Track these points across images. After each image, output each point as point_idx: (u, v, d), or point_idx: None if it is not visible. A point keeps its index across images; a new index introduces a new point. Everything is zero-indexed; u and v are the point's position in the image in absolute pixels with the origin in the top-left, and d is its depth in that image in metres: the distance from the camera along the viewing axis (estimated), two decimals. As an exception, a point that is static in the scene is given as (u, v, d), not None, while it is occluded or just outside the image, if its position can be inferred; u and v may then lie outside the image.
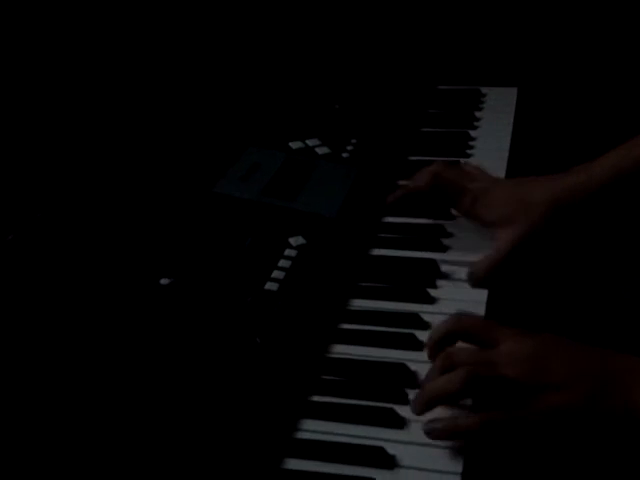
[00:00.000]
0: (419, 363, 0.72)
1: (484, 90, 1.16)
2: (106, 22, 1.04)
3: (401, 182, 0.95)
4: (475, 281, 0.82)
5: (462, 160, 1.01)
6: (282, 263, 0.80)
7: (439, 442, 0.65)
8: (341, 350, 0.75)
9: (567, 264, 1.01)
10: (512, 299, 0.91)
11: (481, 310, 0.79)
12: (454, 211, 0.92)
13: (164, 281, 0.76)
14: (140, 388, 0.67)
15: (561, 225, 0.84)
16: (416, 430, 0.66)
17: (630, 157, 0.83)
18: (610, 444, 0.67)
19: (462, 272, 0.84)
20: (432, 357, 0.71)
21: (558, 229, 0.84)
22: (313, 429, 0.67)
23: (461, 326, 0.69)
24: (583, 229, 0.87)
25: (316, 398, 0.70)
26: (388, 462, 0.64)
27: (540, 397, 0.63)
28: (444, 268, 0.85)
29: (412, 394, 0.69)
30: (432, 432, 0.65)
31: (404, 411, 0.68)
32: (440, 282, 0.83)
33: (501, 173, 0.97)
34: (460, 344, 0.70)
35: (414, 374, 0.71)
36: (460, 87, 1.18)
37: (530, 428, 0.63)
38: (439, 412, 0.66)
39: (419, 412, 0.67)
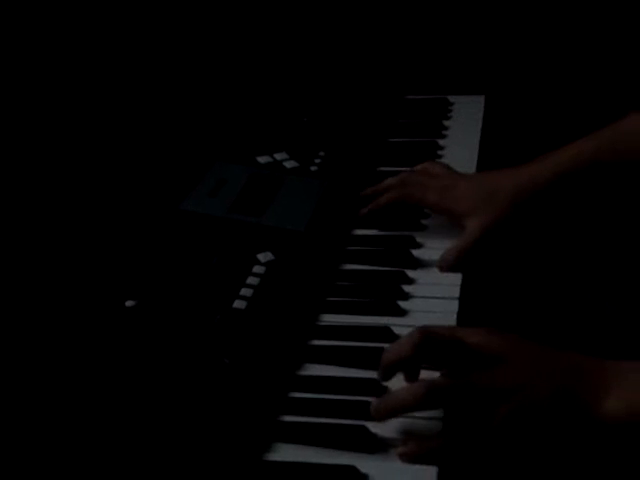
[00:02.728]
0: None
1: (452, 99, 1.17)
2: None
3: (368, 190, 0.94)
4: (444, 268, 0.85)
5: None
6: (250, 280, 0.79)
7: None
8: (312, 367, 0.74)
9: (548, 271, 1.02)
10: (484, 309, 0.91)
11: (452, 321, 0.79)
12: (424, 221, 0.92)
13: (129, 303, 0.75)
14: (107, 411, 0.66)
15: (527, 213, 0.86)
16: (388, 447, 0.65)
17: (591, 146, 0.86)
18: (576, 447, 0.66)
19: (432, 283, 0.84)
20: (386, 379, 0.68)
21: (524, 217, 0.86)
22: (284, 450, 0.66)
23: (428, 342, 0.67)
24: (560, 231, 0.88)
25: (287, 418, 0.69)
26: (361, 480, 0.63)
27: (503, 403, 0.62)
28: (414, 279, 0.84)
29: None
30: (401, 457, 0.65)
31: (377, 428, 0.67)
32: (411, 293, 0.82)
33: (470, 181, 0.97)
34: None
35: (386, 389, 0.70)
36: (428, 96, 1.18)
37: (497, 435, 0.63)
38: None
39: (378, 420, 0.66)
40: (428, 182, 0.90)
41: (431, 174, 0.92)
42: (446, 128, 1.11)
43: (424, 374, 0.68)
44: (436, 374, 0.67)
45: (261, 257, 0.82)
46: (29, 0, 0.98)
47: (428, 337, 0.65)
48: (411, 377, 0.67)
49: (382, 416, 0.66)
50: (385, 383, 0.70)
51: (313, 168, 0.98)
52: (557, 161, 0.87)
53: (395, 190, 0.91)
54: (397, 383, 0.68)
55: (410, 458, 0.64)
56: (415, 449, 0.64)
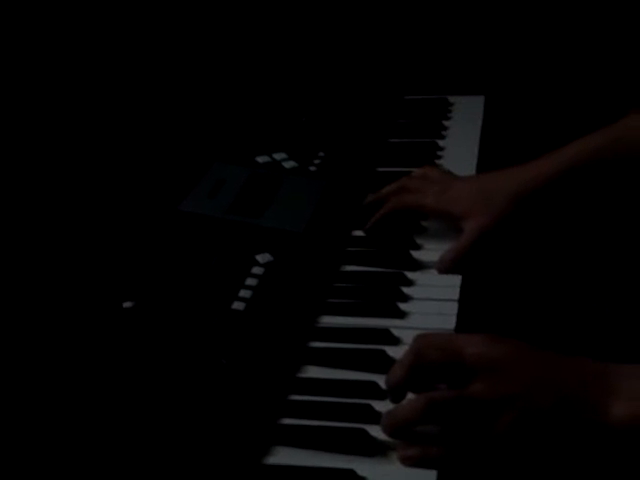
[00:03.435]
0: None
1: (451, 99, 1.16)
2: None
3: (368, 199, 0.93)
4: (442, 270, 0.85)
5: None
6: (249, 281, 0.79)
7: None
8: (311, 369, 0.74)
9: (547, 273, 1.01)
10: (484, 311, 0.91)
11: (452, 323, 0.78)
12: (424, 222, 0.92)
13: (127, 304, 0.75)
14: (104, 412, 0.65)
15: (526, 213, 0.86)
16: (387, 450, 0.65)
17: (591, 145, 0.86)
18: (581, 452, 0.66)
19: (432, 284, 0.84)
20: (397, 400, 0.67)
21: (523, 218, 0.86)
22: (282, 453, 0.65)
23: (422, 361, 0.66)
24: (559, 233, 0.88)
25: (285, 421, 0.68)
26: (360, 484, 0.63)
27: (506, 411, 0.62)
28: (414, 281, 0.84)
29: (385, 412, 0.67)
30: (402, 460, 0.64)
31: (375, 431, 0.66)
32: (410, 295, 0.82)
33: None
34: None
35: (385, 392, 0.70)
36: (427, 97, 1.18)
37: (500, 442, 0.62)
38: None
39: (389, 436, 0.66)
40: (426, 187, 0.90)
41: (429, 179, 0.91)
42: (446, 128, 1.10)
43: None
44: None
45: (260, 258, 0.82)
46: (29, 0, 0.98)
47: (420, 361, 0.64)
48: (417, 392, 0.66)
49: (390, 432, 0.65)
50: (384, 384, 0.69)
51: (312, 168, 0.98)
52: (559, 159, 0.86)
53: (394, 198, 0.90)
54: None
55: (411, 462, 0.64)
56: (416, 453, 0.63)
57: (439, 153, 1.05)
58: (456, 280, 0.83)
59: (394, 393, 0.67)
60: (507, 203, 0.85)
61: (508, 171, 0.88)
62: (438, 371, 0.65)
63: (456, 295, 0.81)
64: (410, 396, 0.67)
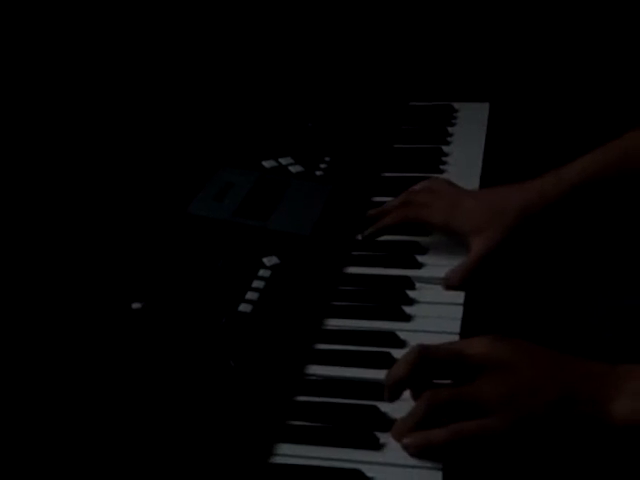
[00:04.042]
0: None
1: (456, 106, 1.17)
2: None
3: (372, 212, 0.94)
4: (450, 287, 0.84)
5: (433, 176, 1.01)
6: (256, 284, 0.80)
7: (417, 462, 0.64)
8: (317, 371, 0.74)
9: (546, 277, 1.02)
10: (488, 314, 0.91)
11: (456, 326, 0.79)
12: (428, 227, 0.92)
13: (136, 305, 0.75)
14: (113, 413, 0.66)
15: (533, 230, 0.86)
16: (393, 451, 0.66)
17: (598, 161, 0.85)
18: (583, 450, 0.67)
19: (438, 289, 0.84)
20: (393, 398, 0.68)
21: (531, 234, 0.86)
22: (289, 453, 0.66)
23: (427, 358, 0.67)
24: (561, 239, 0.88)
25: (292, 421, 0.69)
26: (366, 485, 0.63)
27: (510, 409, 0.62)
28: (419, 285, 0.84)
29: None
30: (407, 448, 0.65)
31: (381, 432, 0.67)
32: (415, 298, 0.83)
33: (474, 188, 0.97)
34: None
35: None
36: (432, 103, 1.19)
37: (502, 438, 0.63)
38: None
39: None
40: (432, 201, 0.89)
41: (434, 192, 0.90)
42: (450, 135, 1.11)
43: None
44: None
45: (266, 261, 0.83)
46: (30, 0, 0.98)
47: (424, 357, 0.65)
48: (416, 394, 0.67)
49: (401, 438, 0.66)
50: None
51: (318, 173, 0.99)
52: (564, 179, 0.85)
53: (399, 211, 0.90)
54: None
55: (416, 449, 0.64)
56: (421, 439, 0.64)
57: (444, 159, 1.06)
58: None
59: (393, 390, 0.67)
60: (515, 220, 0.85)
61: (516, 187, 0.87)
62: (442, 369, 0.65)
63: (461, 299, 0.82)
64: (406, 395, 0.67)
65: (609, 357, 0.88)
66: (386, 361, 0.74)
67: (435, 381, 0.67)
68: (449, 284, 0.84)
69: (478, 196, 0.90)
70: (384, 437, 0.67)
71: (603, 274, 1.02)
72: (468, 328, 0.79)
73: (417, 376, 0.66)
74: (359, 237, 0.92)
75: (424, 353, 0.66)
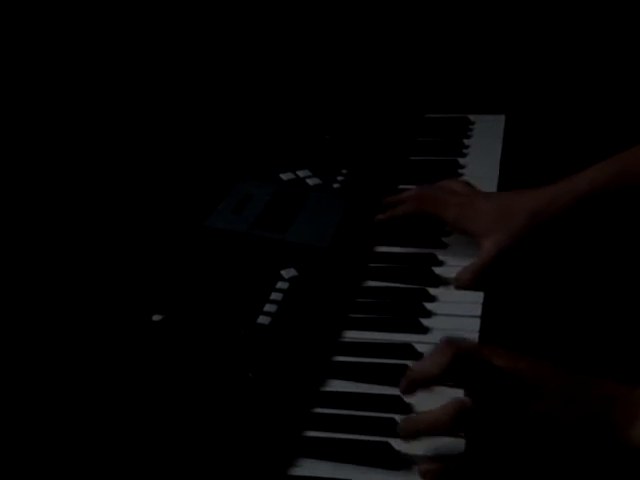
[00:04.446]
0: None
1: (472, 118, 1.17)
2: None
3: (387, 199, 0.95)
4: (460, 287, 0.86)
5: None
6: (274, 296, 0.80)
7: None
8: (335, 383, 0.75)
9: (562, 287, 1.02)
10: (506, 327, 0.92)
11: (474, 339, 0.79)
12: (445, 239, 0.93)
13: (156, 317, 0.76)
14: (132, 424, 0.67)
15: (544, 235, 0.87)
16: (410, 464, 0.66)
17: (610, 170, 0.87)
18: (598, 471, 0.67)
19: (454, 301, 0.85)
20: (408, 393, 0.67)
21: (540, 237, 0.87)
22: (307, 465, 0.67)
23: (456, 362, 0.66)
24: (573, 246, 0.88)
25: (310, 433, 0.70)
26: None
27: (534, 429, 0.63)
28: (436, 297, 0.85)
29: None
30: (423, 475, 0.65)
31: (400, 445, 0.67)
32: (433, 311, 0.83)
33: (491, 200, 0.98)
34: None
35: (409, 406, 0.71)
36: (448, 115, 1.19)
37: (521, 457, 0.63)
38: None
39: (405, 440, 0.66)
40: (447, 198, 0.91)
41: (451, 190, 0.93)
42: (467, 147, 1.11)
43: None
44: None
45: (285, 273, 0.83)
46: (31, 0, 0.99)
47: (459, 357, 0.65)
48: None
49: (409, 437, 0.66)
50: (408, 399, 0.70)
51: (336, 185, 0.99)
52: (575, 186, 0.87)
53: (414, 202, 0.92)
54: (421, 398, 0.69)
55: (432, 476, 0.65)
56: (438, 468, 0.64)
57: (460, 171, 1.06)
58: (478, 296, 0.84)
59: (414, 386, 0.67)
60: (525, 223, 0.86)
61: (529, 192, 0.89)
62: (470, 377, 0.65)
63: (478, 311, 0.83)
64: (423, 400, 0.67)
65: (621, 368, 0.88)
66: (403, 373, 0.74)
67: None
68: (459, 284, 0.86)
69: (491, 198, 0.92)
70: (404, 449, 0.67)
71: (618, 286, 1.01)
72: (486, 340, 0.79)
73: (447, 378, 0.66)
74: (379, 249, 0.92)
75: (459, 354, 0.65)
